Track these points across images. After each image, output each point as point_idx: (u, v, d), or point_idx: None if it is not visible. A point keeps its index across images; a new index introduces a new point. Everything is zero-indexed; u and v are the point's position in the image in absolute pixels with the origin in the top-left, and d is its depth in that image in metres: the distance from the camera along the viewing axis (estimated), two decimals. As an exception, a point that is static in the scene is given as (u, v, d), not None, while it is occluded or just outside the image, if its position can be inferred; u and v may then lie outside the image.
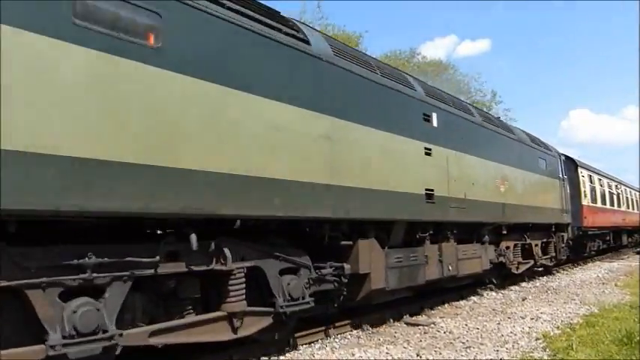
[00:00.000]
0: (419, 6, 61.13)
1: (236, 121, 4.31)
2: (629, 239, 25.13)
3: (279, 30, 4.98)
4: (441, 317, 7.67)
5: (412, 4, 59.25)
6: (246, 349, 5.08)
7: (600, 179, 18.97)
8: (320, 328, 6.25)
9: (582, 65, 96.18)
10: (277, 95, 4.74)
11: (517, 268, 11.09)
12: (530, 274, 12.46)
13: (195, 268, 4.17)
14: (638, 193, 27.65)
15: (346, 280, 5.77)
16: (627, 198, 23.96)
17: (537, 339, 6.11)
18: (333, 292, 5.78)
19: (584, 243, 17.13)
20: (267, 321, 4.90)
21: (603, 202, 18.77)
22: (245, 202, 4.32)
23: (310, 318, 5.98)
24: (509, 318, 7.57)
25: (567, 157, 16.33)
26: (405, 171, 6.74)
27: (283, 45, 4.94)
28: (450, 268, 7.94)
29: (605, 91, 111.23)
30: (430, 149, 7.37)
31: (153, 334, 3.86)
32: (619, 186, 22.23)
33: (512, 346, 5.82)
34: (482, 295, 9.88)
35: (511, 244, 10.75)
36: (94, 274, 3.44)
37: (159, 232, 4.23)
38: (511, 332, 6.53)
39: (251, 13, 4.67)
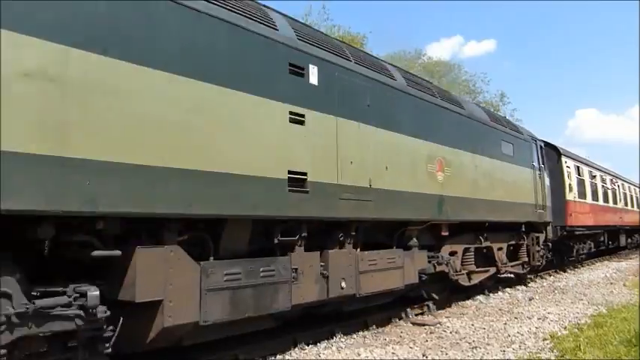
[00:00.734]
0: (424, 6, 59.37)
1: None
2: (629, 240, 22.56)
3: None
4: (447, 317, 7.60)
5: (418, 4, 57.63)
6: (253, 347, 5.14)
7: (592, 172, 16.54)
8: (325, 328, 6.13)
9: (590, 64, 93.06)
10: None
11: (469, 278, 8.79)
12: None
13: None
14: (638, 189, 25.05)
15: (104, 314, 3.53)
16: (625, 194, 21.43)
17: (545, 339, 6.09)
18: (81, 333, 3.53)
19: (571, 245, 14.74)
20: None
21: (595, 197, 16.35)
22: None
23: (315, 317, 6.13)
24: (516, 318, 7.54)
25: (547, 144, 13.98)
26: (247, 143, 4.48)
27: None
28: (344, 285, 5.68)
29: (612, 91, 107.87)
30: (302, 116, 5.11)
31: None
32: (615, 180, 19.71)
33: (519, 346, 5.79)
34: (489, 295, 9.77)
35: (459, 248, 8.45)
36: None
37: None
38: (518, 332, 6.51)
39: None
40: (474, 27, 68.73)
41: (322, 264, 5.48)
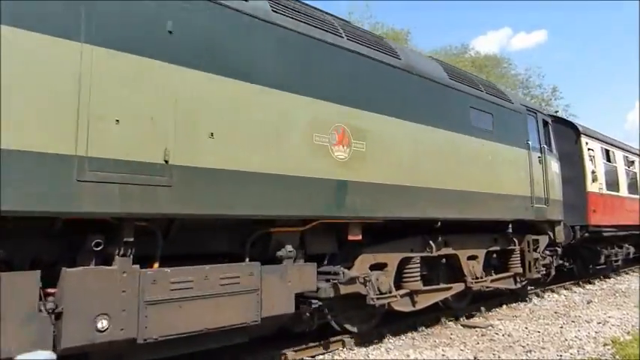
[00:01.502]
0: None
1: None
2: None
3: None
4: (498, 319, 7.45)
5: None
6: (302, 347, 5.19)
7: (628, 157, 13.20)
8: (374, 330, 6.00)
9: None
10: None
11: (413, 301, 6.22)
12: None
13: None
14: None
15: None
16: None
17: (605, 344, 5.85)
18: None
19: (597, 250, 11.63)
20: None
21: (632, 189, 13.04)
22: None
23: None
24: (573, 322, 7.30)
25: (558, 119, 11.03)
26: None
27: None
28: (104, 325, 3.36)
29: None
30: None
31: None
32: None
33: (578, 351, 5.59)
34: (543, 297, 9.53)
35: (392, 259, 5.91)
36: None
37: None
38: (575, 337, 6.27)
39: None
40: (524, 17, 63.94)
41: (51, 292, 3.21)
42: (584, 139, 11.02)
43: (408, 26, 47.32)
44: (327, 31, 5.18)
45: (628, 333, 6.40)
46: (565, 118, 11.65)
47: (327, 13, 5.67)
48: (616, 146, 12.79)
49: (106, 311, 3.39)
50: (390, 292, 5.70)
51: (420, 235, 6.34)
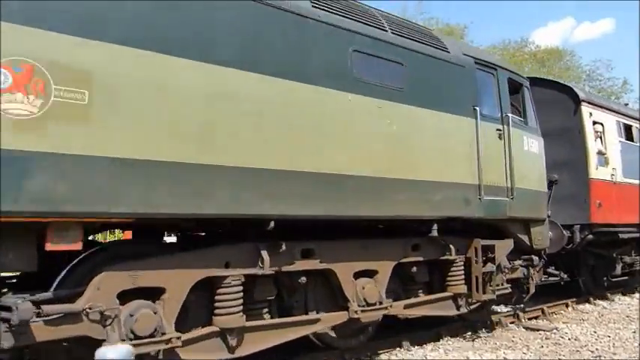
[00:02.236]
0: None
1: None
2: None
3: None
4: (564, 322, 7.14)
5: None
6: (359, 347, 5.16)
7: (638, 127, 9.93)
8: (432, 330, 5.97)
9: None
10: None
11: (232, 346, 3.99)
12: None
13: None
14: None
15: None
16: None
17: None
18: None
19: (612, 257, 8.77)
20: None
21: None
22: None
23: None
24: None
25: (548, 83, 8.38)
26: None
27: None
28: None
29: None
30: None
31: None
32: None
33: None
34: (613, 300, 8.91)
35: (179, 279, 3.73)
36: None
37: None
38: None
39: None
40: (588, 6, 58.27)
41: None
42: (586, 109, 8.18)
43: (465, 22, 45.89)
44: None
45: None
46: (562, 82, 8.79)
47: None
48: (631, 117, 9.70)
49: None
50: (164, 334, 3.55)
51: (252, 242, 4.13)
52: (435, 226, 5.28)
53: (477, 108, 5.82)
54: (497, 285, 6.16)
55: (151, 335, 3.46)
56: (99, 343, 3.25)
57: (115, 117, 3.25)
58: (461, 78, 5.78)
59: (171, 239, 5.42)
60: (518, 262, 6.69)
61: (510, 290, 6.51)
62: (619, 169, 8.67)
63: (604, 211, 8.04)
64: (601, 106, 8.64)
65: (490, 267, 5.97)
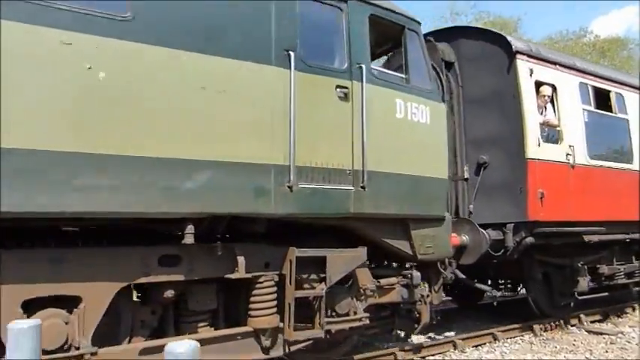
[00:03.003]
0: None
1: None
2: None
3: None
4: (630, 326, 6.86)
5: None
6: (411, 346, 5.36)
7: (620, 94, 7.13)
8: (486, 331, 6.02)
9: None
10: None
11: None
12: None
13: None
14: None
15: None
16: None
17: None
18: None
19: (576, 268, 6.50)
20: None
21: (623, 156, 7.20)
22: None
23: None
24: None
25: (477, 30, 6.45)
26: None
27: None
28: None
29: None
30: None
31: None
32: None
33: None
34: None
35: None
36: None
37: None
38: None
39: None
40: None
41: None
42: (524, 65, 5.89)
43: (519, 14, 45.17)
44: None
45: None
46: (493, 30, 6.49)
47: None
48: (622, 83, 7.21)
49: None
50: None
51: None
52: (191, 228, 3.41)
53: (292, 53, 3.90)
54: (341, 314, 4.22)
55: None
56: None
57: None
58: (258, 8, 3.86)
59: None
60: (393, 280, 4.70)
61: (376, 322, 4.59)
62: (581, 147, 6.37)
63: (551, 205, 5.81)
64: (550, 62, 6.31)
65: (318, 291, 4.03)
